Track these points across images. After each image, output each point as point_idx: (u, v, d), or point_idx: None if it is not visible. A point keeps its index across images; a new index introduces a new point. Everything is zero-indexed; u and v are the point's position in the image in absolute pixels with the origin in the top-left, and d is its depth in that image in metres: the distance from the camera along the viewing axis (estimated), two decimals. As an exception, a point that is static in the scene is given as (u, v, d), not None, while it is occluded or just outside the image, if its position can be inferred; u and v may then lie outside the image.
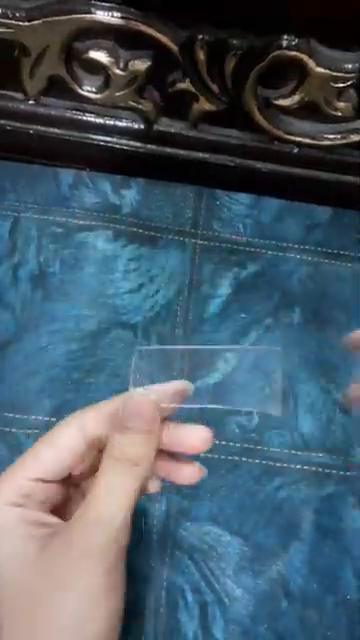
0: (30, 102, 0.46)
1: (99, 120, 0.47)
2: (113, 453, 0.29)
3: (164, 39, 0.40)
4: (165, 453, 0.31)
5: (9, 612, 0.28)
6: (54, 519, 0.30)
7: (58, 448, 0.31)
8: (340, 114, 0.43)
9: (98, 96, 0.44)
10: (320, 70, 0.40)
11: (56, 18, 0.40)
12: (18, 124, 0.47)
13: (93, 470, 0.31)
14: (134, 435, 0.29)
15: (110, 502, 0.28)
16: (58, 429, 0.31)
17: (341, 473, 0.40)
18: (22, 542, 0.29)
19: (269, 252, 0.47)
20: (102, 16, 0.40)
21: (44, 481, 0.30)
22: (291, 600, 0.37)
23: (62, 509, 0.32)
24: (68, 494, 0.32)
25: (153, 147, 0.48)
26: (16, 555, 0.28)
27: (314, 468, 0.40)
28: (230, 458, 0.40)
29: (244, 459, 0.40)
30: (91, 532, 0.28)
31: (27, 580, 0.28)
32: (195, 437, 0.31)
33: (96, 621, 0.28)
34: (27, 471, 0.30)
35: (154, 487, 0.32)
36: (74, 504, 0.32)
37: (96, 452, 0.31)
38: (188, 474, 0.31)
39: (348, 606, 0.37)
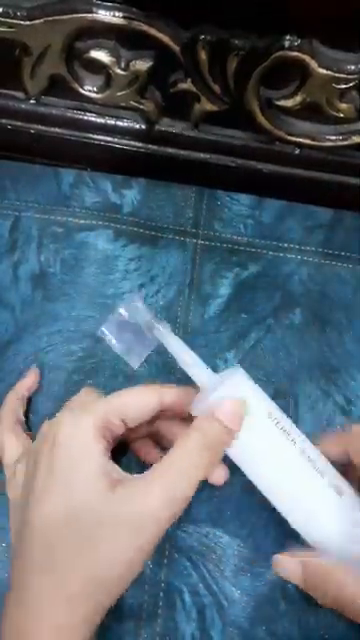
0: (31, 101, 0.46)
1: (100, 120, 0.47)
2: (194, 433, 0.32)
3: (166, 39, 0.40)
4: None
5: (74, 533, 0.30)
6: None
7: (143, 401, 0.34)
8: (342, 115, 0.43)
9: (99, 96, 0.44)
10: (322, 71, 0.40)
11: (57, 17, 0.40)
12: (19, 123, 0.47)
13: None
14: (220, 427, 0.32)
15: (179, 477, 0.31)
16: (143, 388, 0.35)
17: (341, 475, 0.40)
18: (98, 473, 0.31)
19: (270, 253, 0.47)
20: (103, 16, 0.39)
21: (125, 425, 0.34)
22: (289, 602, 0.37)
23: None
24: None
25: (154, 147, 0.48)
26: (90, 482, 0.31)
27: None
28: (230, 459, 0.40)
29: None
30: (156, 499, 0.30)
31: (94, 509, 0.30)
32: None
33: (133, 574, 0.30)
34: (116, 410, 0.33)
35: (220, 478, 0.36)
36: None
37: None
38: (217, 475, 0.36)
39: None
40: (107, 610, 0.30)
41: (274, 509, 0.34)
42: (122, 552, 0.30)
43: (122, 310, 0.38)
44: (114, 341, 0.39)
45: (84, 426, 0.32)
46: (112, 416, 0.33)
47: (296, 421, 0.41)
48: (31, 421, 0.40)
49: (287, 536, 0.38)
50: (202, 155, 0.48)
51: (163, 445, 0.38)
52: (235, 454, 0.34)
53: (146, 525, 0.30)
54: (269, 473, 0.34)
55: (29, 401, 0.41)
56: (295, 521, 0.34)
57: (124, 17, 0.39)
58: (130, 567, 0.30)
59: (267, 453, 0.34)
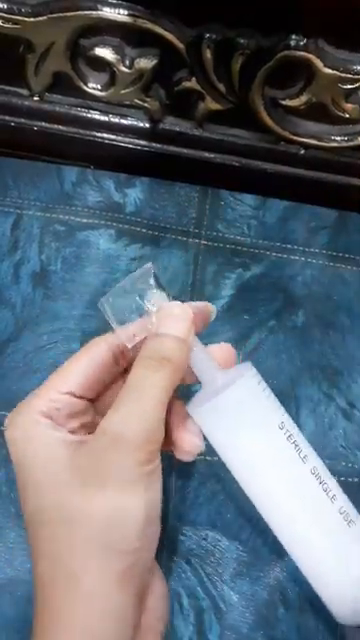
0: (35, 99, 0.46)
1: (104, 118, 0.46)
2: (145, 353, 0.30)
3: (171, 37, 0.40)
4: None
5: (48, 518, 0.28)
6: (82, 433, 0.31)
7: (87, 361, 0.31)
8: (347, 116, 0.43)
9: (103, 93, 0.44)
10: (328, 71, 0.40)
11: (62, 14, 0.39)
12: (22, 120, 0.47)
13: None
14: (168, 339, 0.30)
15: (142, 396, 0.28)
16: (87, 346, 0.32)
17: (342, 479, 0.40)
18: (54, 447, 0.29)
19: (273, 254, 0.47)
20: (108, 13, 0.39)
21: (75, 395, 0.31)
22: (288, 607, 0.36)
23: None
24: (95, 420, 0.32)
25: (158, 146, 0.48)
26: (50, 459, 0.29)
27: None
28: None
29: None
30: (123, 426, 0.28)
31: (63, 484, 0.28)
32: (224, 352, 0.33)
33: (134, 510, 0.27)
34: (59, 385, 0.31)
35: (191, 446, 0.32)
36: None
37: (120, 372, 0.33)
38: (189, 444, 0.32)
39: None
40: None
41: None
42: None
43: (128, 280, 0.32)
44: (109, 312, 0.32)
45: (27, 424, 0.30)
46: (54, 395, 0.30)
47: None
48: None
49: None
50: (206, 154, 0.48)
51: None
52: (235, 465, 0.31)
53: (117, 460, 0.27)
54: (273, 494, 0.31)
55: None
56: (294, 550, 0.31)
57: (129, 15, 0.39)
58: (144, 499, 0.28)
59: (273, 469, 0.31)
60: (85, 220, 0.46)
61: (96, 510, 0.27)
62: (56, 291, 0.44)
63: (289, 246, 0.47)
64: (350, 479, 0.40)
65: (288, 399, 0.42)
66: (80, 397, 0.31)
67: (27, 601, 0.36)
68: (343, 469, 0.40)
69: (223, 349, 0.33)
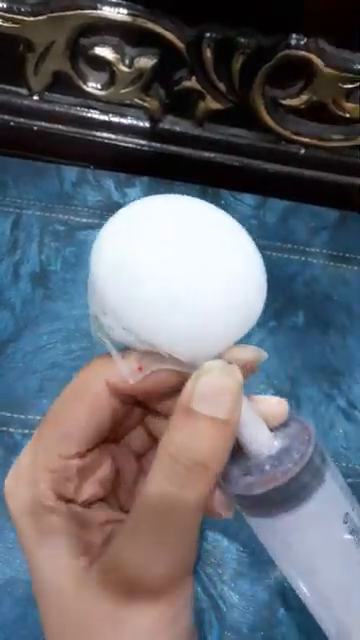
0: (34, 98, 0.45)
1: (104, 117, 0.46)
2: (170, 448, 0.21)
3: (171, 36, 0.40)
4: None
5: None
6: (100, 513, 0.24)
7: (85, 411, 0.23)
8: (348, 115, 0.43)
9: (103, 93, 0.44)
10: (328, 70, 0.40)
11: (62, 13, 0.39)
12: (22, 120, 0.47)
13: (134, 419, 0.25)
14: (205, 425, 0.20)
15: (167, 529, 0.21)
16: (78, 387, 0.24)
17: (342, 480, 0.40)
18: (69, 557, 0.22)
19: (274, 254, 0.47)
20: (108, 12, 0.39)
21: (81, 455, 0.23)
22: (289, 608, 0.36)
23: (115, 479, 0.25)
24: (115, 460, 0.25)
25: (158, 145, 0.47)
26: (61, 573, 0.22)
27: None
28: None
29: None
30: (141, 570, 0.20)
31: (79, 608, 0.21)
32: (274, 408, 0.24)
33: None
34: (60, 448, 0.23)
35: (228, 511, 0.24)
36: (127, 469, 0.26)
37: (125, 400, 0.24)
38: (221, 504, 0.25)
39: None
40: None
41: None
42: None
43: None
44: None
45: (38, 509, 0.22)
46: (55, 462, 0.23)
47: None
48: (30, 421, 0.40)
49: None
50: (206, 154, 0.48)
51: None
52: (279, 554, 0.26)
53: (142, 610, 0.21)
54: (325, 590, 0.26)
55: (28, 402, 0.40)
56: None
57: (129, 14, 0.39)
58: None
59: (326, 564, 0.25)
60: (85, 220, 0.46)
61: None
62: (56, 291, 0.44)
63: (289, 246, 0.47)
64: (351, 480, 0.40)
65: (288, 399, 0.41)
66: (91, 450, 0.24)
67: (26, 601, 0.36)
68: (344, 470, 0.40)
69: (273, 405, 0.24)
